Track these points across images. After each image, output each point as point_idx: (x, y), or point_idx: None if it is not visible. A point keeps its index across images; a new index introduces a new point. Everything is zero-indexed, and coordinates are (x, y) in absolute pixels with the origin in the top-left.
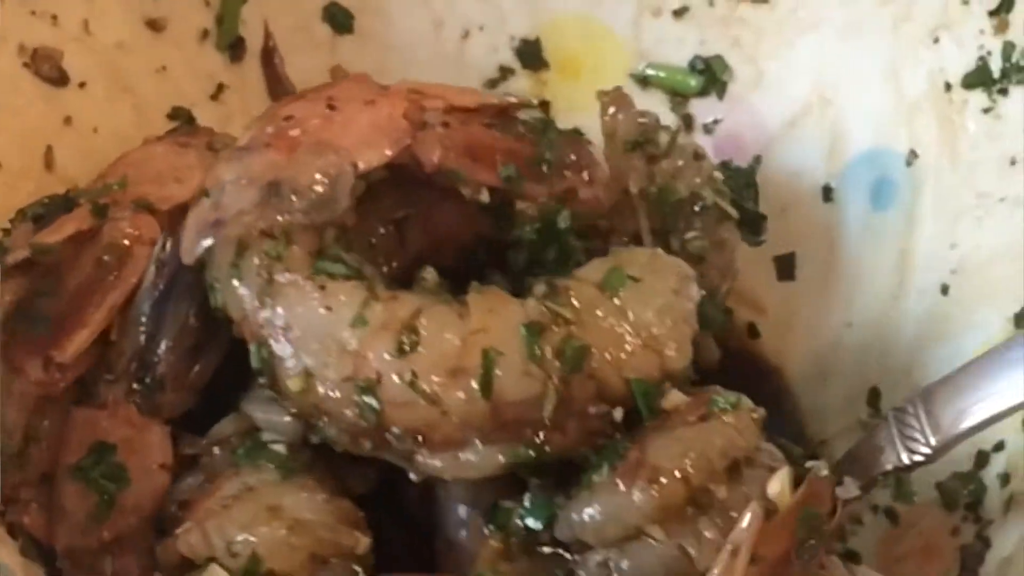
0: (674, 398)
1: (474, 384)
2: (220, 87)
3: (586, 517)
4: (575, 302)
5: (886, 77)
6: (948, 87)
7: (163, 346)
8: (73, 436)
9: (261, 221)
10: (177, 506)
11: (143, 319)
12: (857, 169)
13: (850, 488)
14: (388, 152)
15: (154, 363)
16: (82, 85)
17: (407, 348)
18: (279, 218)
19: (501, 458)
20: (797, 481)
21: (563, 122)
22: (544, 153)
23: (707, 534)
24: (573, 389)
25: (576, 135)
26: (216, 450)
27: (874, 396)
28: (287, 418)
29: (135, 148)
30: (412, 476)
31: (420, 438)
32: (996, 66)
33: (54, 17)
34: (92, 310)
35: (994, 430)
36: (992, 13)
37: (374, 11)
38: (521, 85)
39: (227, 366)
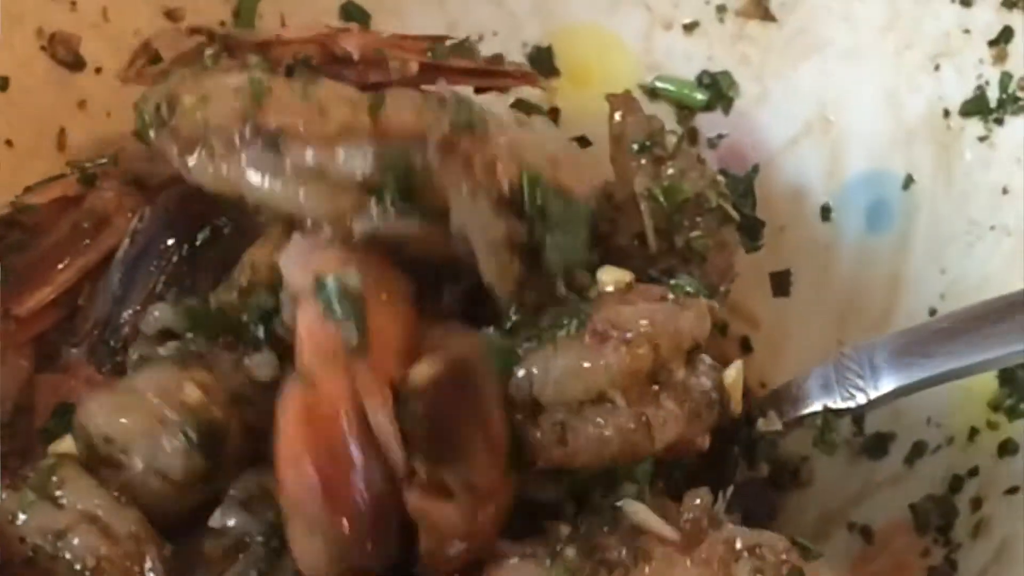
0: (615, 274)
1: (362, 111)
2: None
3: (550, 373)
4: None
5: (886, 101)
6: (946, 114)
7: (129, 312)
8: (40, 401)
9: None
10: None
11: (112, 285)
12: (855, 190)
13: (773, 421)
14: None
15: (119, 327)
16: (98, 70)
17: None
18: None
19: (371, 158)
20: None
21: (572, 129)
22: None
23: (668, 405)
24: (461, 141)
25: None
26: None
27: (858, 416)
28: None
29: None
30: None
31: (293, 134)
32: (993, 96)
33: (73, 3)
34: (59, 270)
35: (970, 456)
36: (992, 43)
37: (390, 10)
38: (531, 91)
39: None
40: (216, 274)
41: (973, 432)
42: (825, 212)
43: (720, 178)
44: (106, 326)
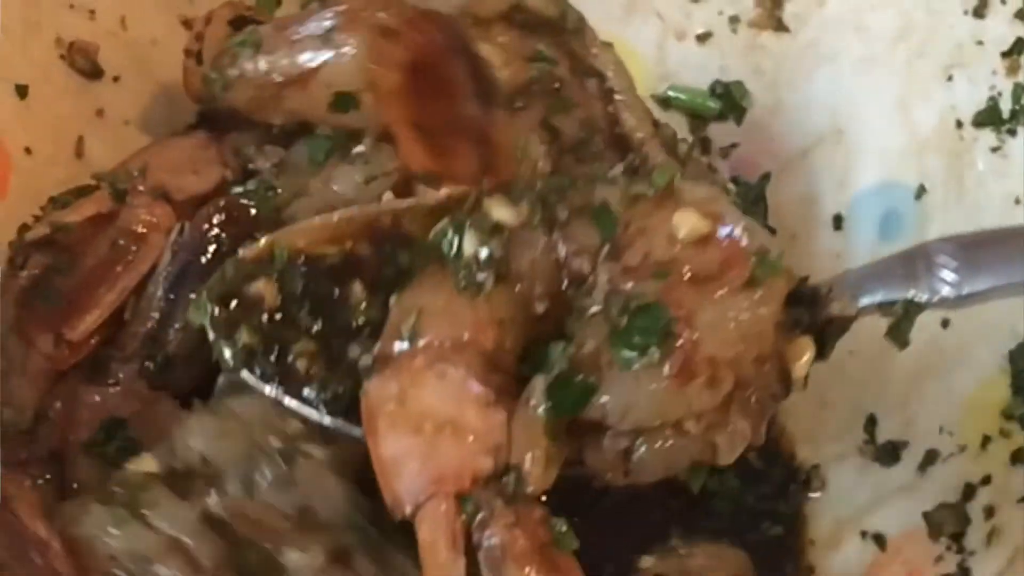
0: (692, 222)
1: None
2: None
3: (629, 409)
4: None
5: (899, 112)
6: (959, 124)
7: (174, 327)
8: (83, 414)
9: None
10: None
11: (156, 302)
12: (867, 200)
13: (847, 306)
14: None
15: (166, 343)
16: (116, 79)
17: None
18: None
19: None
20: None
21: None
22: None
23: (738, 423)
24: None
25: None
26: None
27: (871, 424)
28: None
29: (160, 139)
30: None
31: None
32: (1006, 106)
33: (91, 12)
34: (104, 291)
35: (983, 464)
36: (1005, 54)
37: None
38: None
39: None
40: None
41: (986, 440)
42: (837, 221)
43: (730, 185)
44: (153, 342)
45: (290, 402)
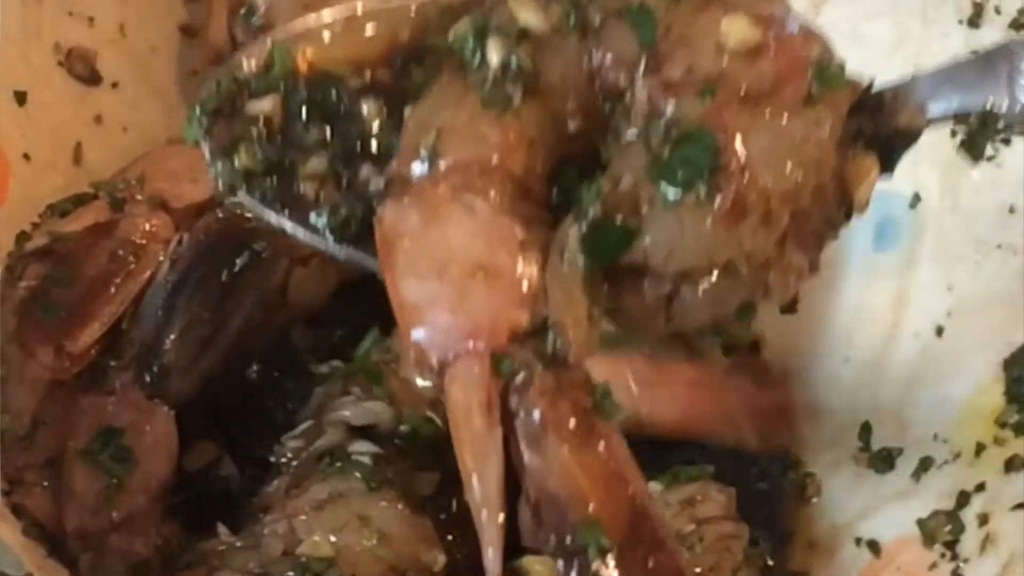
0: (742, 30)
1: None
2: None
3: (673, 252)
4: None
5: None
6: (954, 134)
7: (171, 337)
8: (81, 421)
9: None
10: (261, 509)
11: (154, 311)
12: None
13: (916, 116)
14: None
15: (162, 352)
16: (114, 85)
17: None
18: None
19: None
20: None
21: None
22: None
23: (794, 258)
24: None
25: None
26: (293, 459)
27: (865, 431)
28: (379, 406)
29: (158, 146)
30: None
31: None
32: None
33: (91, 19)
34: (104, 303)
35: (977, 472)
36: None
37: None
38: None
39: (234, 357)
40: (255, 299)
41: (980, 448)
42: None
43: None
44: (150, 351)
45: (295, 229)
